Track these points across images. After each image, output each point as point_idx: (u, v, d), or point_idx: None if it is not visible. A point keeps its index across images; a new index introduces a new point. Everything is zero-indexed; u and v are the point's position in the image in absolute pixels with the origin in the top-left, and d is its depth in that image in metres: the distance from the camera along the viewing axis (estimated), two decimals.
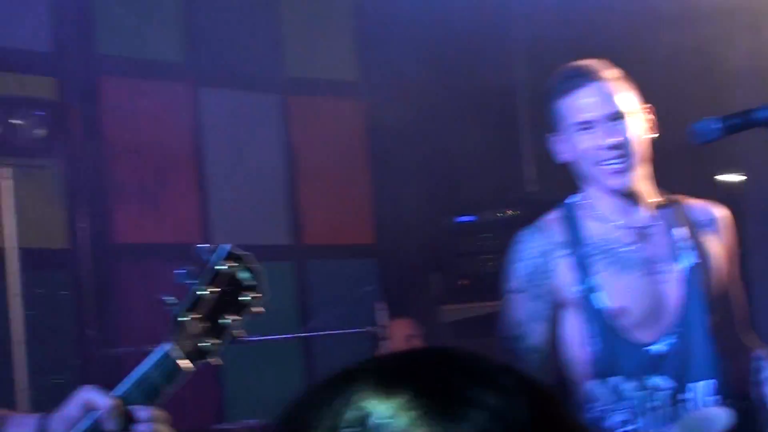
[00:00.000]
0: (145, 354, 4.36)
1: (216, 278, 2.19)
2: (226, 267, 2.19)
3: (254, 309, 2.23)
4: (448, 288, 6.52)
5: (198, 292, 2.16)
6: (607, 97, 2.99)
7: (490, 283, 6.09)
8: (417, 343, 5.75)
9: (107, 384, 5.81)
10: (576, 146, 3.01)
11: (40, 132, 5.31)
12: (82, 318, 5.76)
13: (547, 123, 3.13)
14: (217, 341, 2.18)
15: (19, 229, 5.37)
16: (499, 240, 6.13)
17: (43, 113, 5.34)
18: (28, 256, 5.40)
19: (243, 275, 2.21)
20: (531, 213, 5.97)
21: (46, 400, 5.25)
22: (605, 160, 2.95)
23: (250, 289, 2.22)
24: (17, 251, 5.33)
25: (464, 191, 6.59)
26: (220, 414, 6.10)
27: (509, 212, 6.33)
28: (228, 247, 2.22)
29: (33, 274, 5.48)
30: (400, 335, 5.62)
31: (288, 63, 6.61)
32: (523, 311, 3.06)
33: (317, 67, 6.66)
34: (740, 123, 2.62)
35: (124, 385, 2.13)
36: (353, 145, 6.69)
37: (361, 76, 6.75)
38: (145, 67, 6.09)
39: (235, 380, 6.12)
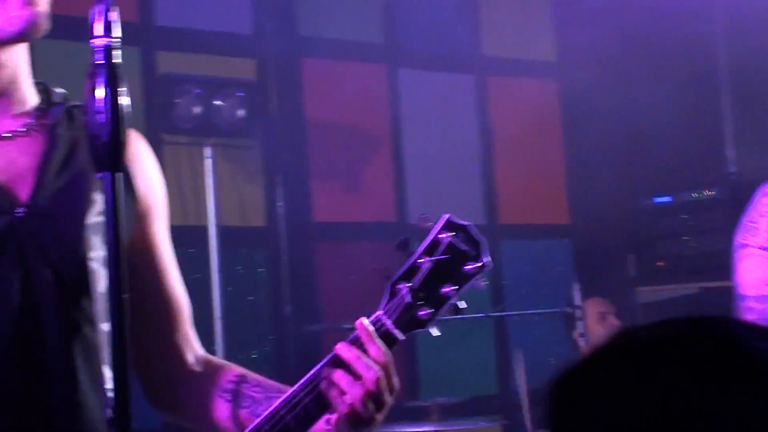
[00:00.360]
0: (342, 331, 4.31)
1: (434, 247, 2.11)
2: (445, 236, 2.11)
3: (476, 280, 2.14)
4: (644, 269, 6.46)
5: (414, 261, 2.10)
6: None
7: (689, 264, 6.27)
8: (611, 321, 5.70)
9: (302, 360, 5.85)
10: None
11: (241, 112, 5.36)
12: (279, 295, 5.87)
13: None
14: (433, 311, 2.10)
15: (218, 207, 5.48)
16: (698, 221, 6.27)
17: (244, 94, 5.39)
18: (227, 234, 5.52)
19: (464, 246, 2.13)
20: (731, 194, 5.96)
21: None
22: None
23: (472, 259, 2.13)
24: (216, 229, 5.42)
25: (661, 171, 6.39)
26: (414, 391, 6.12)
27: (708, 193, 6.24)
28: (448, 216, 2.13)
29: (232, 252, 5.62)
30: (592, 313, 5.61)
31: (485, 43, 6.64)
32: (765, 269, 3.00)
33: (514, 48, 6.67)
34: None
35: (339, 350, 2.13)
36: (549, 126, 6.66)
37: (558, 56, 6.79)
38: (345, 48, 6.16)
39: (429, 359, 6.13)
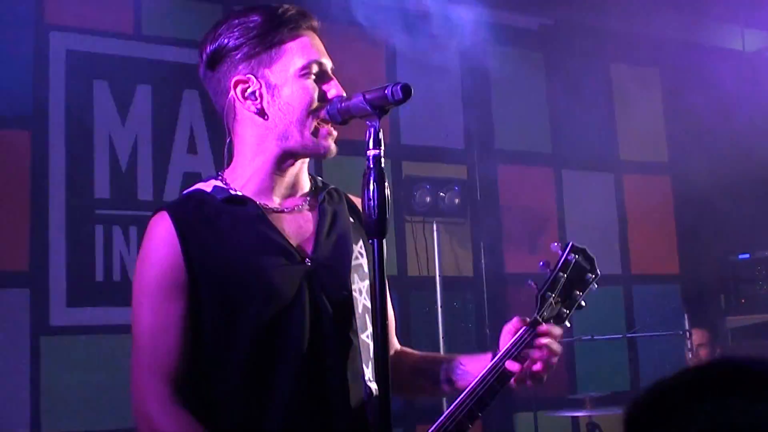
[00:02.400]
0: None
1: (566, 266, 2.36)
2: (571, 257, 2.36)
3: (593, 286, 2.38)
4: (731, 304, 7.08)
5: (553, 276, 2.35)
6: None
7: (762, 301, 6.90)
8: (710, 347, 6.31)
9: None
10: None
11: (457, 201, 6.19)
12: (482, 323, 6.55)
13: None
14: (568, 311, 2.35)
15: (441, 264, 6.29)
16: (767, 271, 6.94)
17: (458, 189, 6.20)
18: (447, 282, 6.29)
19: (584, 262, 2.37)
20: None
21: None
22: None
23: (590, 271, 2.37)
24: (440, 278, 6.24)
25: (743, 236, 6.87)
26: (572, 387, 6.67)
27: None
28: (571, 242, 2.39)
29: (450, 294, 6.34)
30: (697, 340, 6.29)
31: (622, 149, 7.41)
32: None
33: (640, 152, 7.40)
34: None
35: (506, 345, 2.30)
36: (664, 208, 7.44)
37: (669, 158, 7.48)
38: (525, 156, 6.94)
39: (583, 365, 6.72)
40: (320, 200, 2.32)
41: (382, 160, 1.95)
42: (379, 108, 1.98)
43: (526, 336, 2.27)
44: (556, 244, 2.40)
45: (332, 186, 2.38)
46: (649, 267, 7.16)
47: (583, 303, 2.36)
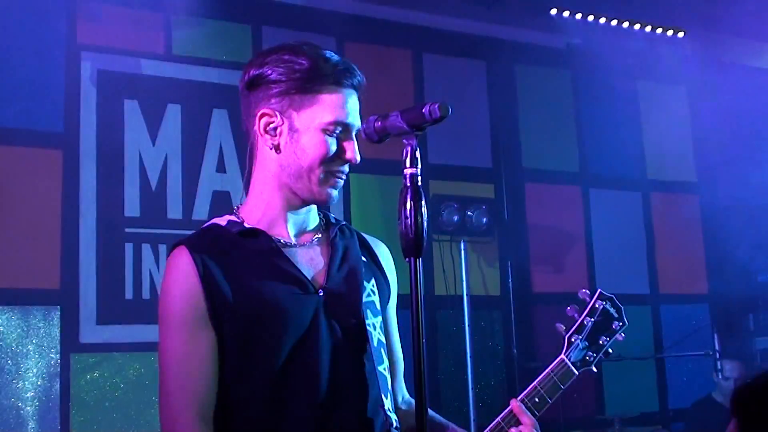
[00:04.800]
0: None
1: (593, 311, 2.44)
2: (599, 304, 2.44)
3: (619, 335, 2.46)
4: (759, 324, 7.15)
5: (581, 320, 2.43)
6: None
7: None
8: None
9: (524, 386, 6.37)
10: None
11: (484, 219, 6.19)
12: (509, 342, 6.53)
13: None
14: (594, 355, 2.42)
15: (469, 282, 6.28)
16: None
17: (486, 207, 6.22)
18: (475, 300, 6.29)
19: (611, 310, 2.45)
20: None
21: (485, 395, 6.08)
22: None
23: (617, 319, 2.45)
24: (467, 297, 6.23)
25: None
26: (600, 408, 6.62)
27: None
28: (599, 290, 2.47)
29: (478, 312, 6.33)
30: (734, 373, 6.26)
31: (649, 169, 7.39)
32: None
33: (668, 171, 7.41)
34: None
35: (532, 385, 2.39)
36: (692, 228, 7.43)
37: (698, 177, 7.49)
38: (552, 175, 6.92)
39: (611, 386, 6.66)
40: (332, 235, 2.35)
41: (419, 178, 1.96)
42: (416, 126, 1.99)
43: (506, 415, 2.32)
44: (584, 290, 2.47)
45: (344, 223, 2.41)
46: (677, 286, 7.19)
47: (610, 350, 2.42)
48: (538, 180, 6.92)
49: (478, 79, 6.62)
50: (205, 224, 2.35)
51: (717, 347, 6.55)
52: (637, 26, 6.36)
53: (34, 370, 5.10)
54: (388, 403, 2.26)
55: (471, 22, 6.34)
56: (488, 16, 6.30)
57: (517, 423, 2.30)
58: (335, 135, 2.24)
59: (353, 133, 2.28)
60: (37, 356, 5.11)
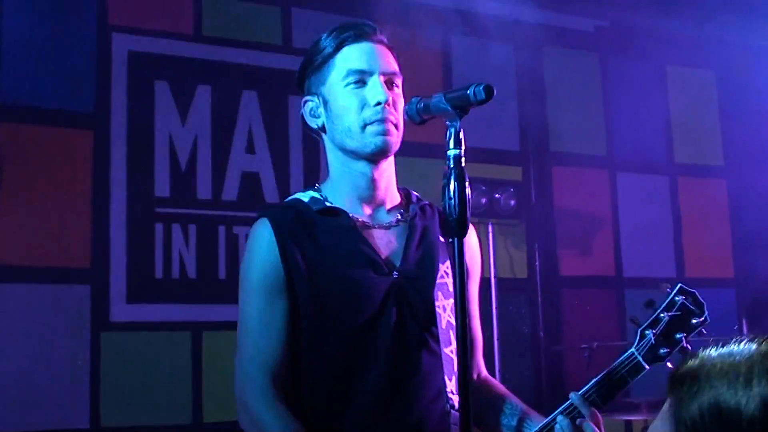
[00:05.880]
0: (577, 350, 5.06)
1: (671, 306, 2.35)
2: (679, 298, 2.36)
3: (698, 330, 2.37)
4: None
5: (657, 314, 2.35)
6: None
7: None
8: None
9: (550, 369, 6.16)
10: None
11: (512, 202, 6.15)
12: (535, 325, 6.56)
13: None
14: (669, 350, 2.32)
15: (496, 264, 6.29)
16: None
17: (513, 190, 6.19)
18: (502, 282, 6.29)
19: (692, 306, 2.36)
20: None
21: (511, 377, 6.03)
22: None
23: (698, 315, 2.36)
24: (495, 279, 6.22)
25: None
26: (628, 391, 6.20)
27: None
28: (680, 284, 2.39)
29: (505, 295, 6.33)
30: None
31: (677, 153, 7.35)
32: None
33: (695, 155, 7.39)
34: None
35: (592, 381, 2.29)
36: (720, 212, 7.41)
37: (725, 161, 7.48)
38: (579, 159, 6.90)
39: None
40: (412, 215, 2.37)
41: (463, 160, 1.95)
42: (460, 108, 1.97)
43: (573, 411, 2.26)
44: (666, 284, 2.49)
45: (426, 202, 2.42)
46: (704, 270, 7.15)
47: (687, 346, 2.32)
48: (565, 163, 6.91)
49: (507, 62, 6.60)
50: (288, 198, 2.42)
51: (745, 331, 6.38)
52: (664, 10, 6.33)
53: (65, 349, 5.13)
54: (451, 385, 2.29)
55: (499, 4, 6.27)
56: None
57: (579, 415, 2.25)
58: (357, 85, 2.28)
59: (377, 76, 2.29)
60: (67, 334, 5.14)
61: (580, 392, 2.26)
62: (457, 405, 2.25)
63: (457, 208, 1.94)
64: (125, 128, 5.42)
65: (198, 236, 5.52)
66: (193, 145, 5.59)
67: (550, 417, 2.26)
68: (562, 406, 2.26)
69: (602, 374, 2.28)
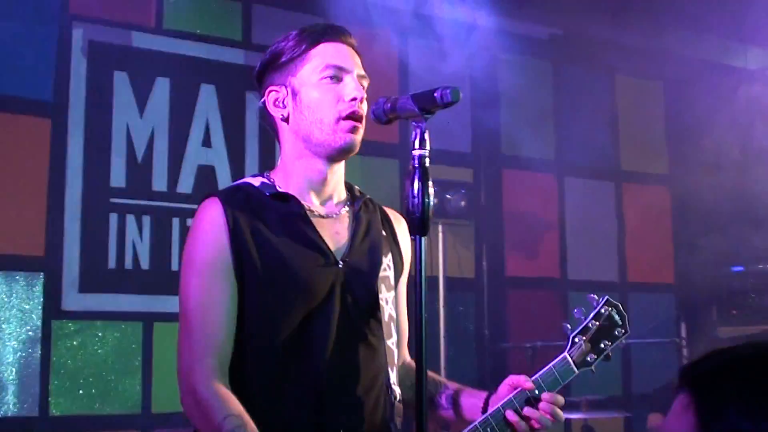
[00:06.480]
0: (522, 348, 5.10)
1: (599, 316, 2.44)
2: (605, 310, 2.45)
3: (620, 342, 2.47)
4: (723, 315, 7.15)
5: (586, 323, 2.43)
6: None
7: (753, 313, 6.86)
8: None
9: (494, 366, 6.10)
10: None
11: (462, 203, 6.18)
12: (481, 323, 6.61)
13: None
14: (595, 357, 2.42)
15: (444, 264, 6.31)
16: (762, 284, 6.89)
17: (464, 191, 6.22)
18: (450, 282, 6.34)
19: (616, 317, 2.45)
20: None
21: (455, 373, 5.93)
22: None
23: (621, 326, 2.45)
24: (444, 278, 6.25)
25: (738, 250, 6.90)
26: (569, 390, 6.22)
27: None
28: (606, 296, 2.47)
29: (452, 293, 6.40)
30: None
31: (622, 159, 7.49)
32: None
33: (642, 162, 7.49)
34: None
35: (535, 376, 2.35)
36: (663, 218, 7.52)
37: (670, 169, 7.58)
38: (529, 162, 6.90)
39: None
40: (357, 208, 2.39)
41: (427, 160, 1.96)
42: (427, 110, 1.99)
43: (527, 396, 2.33)
44: (593, 295, 2.48)
45: (368, 196, 2.45)
46: (645, 276, 7.27)
47: (610, 354, 2.43)
48: (515, 167, 6.98)
49: (462, 67, 6.54)
50: (237, 181, 2.39)
51: (685, 335, 6.64)
52: (617, 21, 6.40)
53: (16, 336, 5.10)
54: (393, 377, 2.30)
55: (456, 9, 6.27)
56: (473, 4, 6.24)
57: (530, 402, 2.33)
58: (333, 80, 2.29)
59: (352, 75, 2.32)
60: (19, 322, 5.11)
61: (528, 387, 2.32)
62: (399, 396, 2.30)
63: (420, 207, 1.95)
64: (83, 118, 5.37)
65: (152, 227, 5.50)
66: (150, 137, 5.56)
67: (494, 410, 2.32)
68: (514, 392, 2.32)
69: (537, 375, 2.34)
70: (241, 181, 2.39)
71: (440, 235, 6.31)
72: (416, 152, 1.96)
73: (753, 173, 6.42)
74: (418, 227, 1.94)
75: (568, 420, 6.46)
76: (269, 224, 2.27)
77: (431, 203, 1.96)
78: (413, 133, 1.98)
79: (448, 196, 6.19)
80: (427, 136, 1.98)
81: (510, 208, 6.90)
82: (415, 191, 1.94)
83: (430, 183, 1.96)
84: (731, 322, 7.08)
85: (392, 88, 6.10)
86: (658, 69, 7.11)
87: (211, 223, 2.23)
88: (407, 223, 1.98)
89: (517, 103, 6.90)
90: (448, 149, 6.57)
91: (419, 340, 1.93)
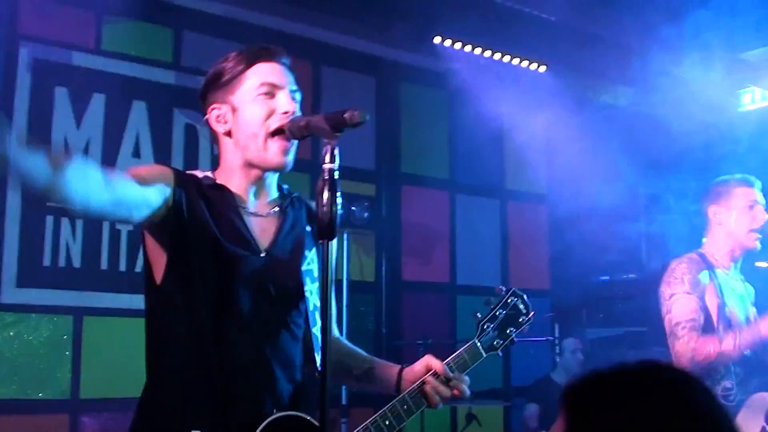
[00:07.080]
0: (415, 346, 5.38)
1: (505, 305, 2.54)
2: (510, 299, 2.55)
3: (524, 327, 2.57)
4: (591, 318, 7.51)
5: (494, 311, 2.52)
6: None
7: (617, 317, 7.20)
8: (579, 354, 6.71)
9: (391, 360, 5.94)
10: None
11: (365, 214, 6.39)
12: (379, 322, 6.80)
13: None
14: (501, 342, 2.52)
15: (349, 268, 6.49)
16: (624, 291, 7.19)
17: (367, 204, 6.41)
18: (353, 285, 6.51)
19: (521, 306, 2.55)
20: (642, 277, 6.76)
21: None
22: None
23: (524, 314, 2.55)
24: (347, 282, 6.42)
25: (606, 260, 7.10)
26: None
27: (630, 276, 7.38)
28: (513, 288, 2.57)
29: (355, 295, 6.53)
30: (568, 348, 6.77)
31: (507, 179, 7.75)
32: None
33: (524, 182, 7.77)
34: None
35: (447, 360, 2.45)
36: (541, 231, 7.83)
37: (548, 189, 7.83)
38: (425, 180, 7.20)
39: None
40: (285, 206, 2.45)
41: (336, 173, 2.00)
42: (337, 128, 2.04)
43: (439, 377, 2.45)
44: (501, 287, 2.60)
45: (296, 194, 2.51)
46: (525, 282, 7.33)
47: (515, 339, 2.55)
48: (413, 183, 7.15)
49: (368, 93, 6.86)
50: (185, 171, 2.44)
51: (558, 335, 6.87)
52: (506, 58, 6.62)
53: None
54: (318, 360, 2.32)
55: (365, 42, 6.57)
56: (380, 38, 6.49)
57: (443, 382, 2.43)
58: (267, 96, 2.35)
59: (286, 91, 2.37)
60: None
61: (439, 367, 2.44)
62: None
63: (328, 214, 1.96)
64: (26, 128, 5.48)
65: (84, 229, 5.59)
66: (86, 147, 5.68)
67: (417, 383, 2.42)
68: (427, 374, 2.43)
69: (449, 358, 2.45)
70: (188, 171, 2.44)
71: (345, 242, 6.47)
72: (327, 166, 1.98)
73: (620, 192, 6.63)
74: (327, 232, 1.96)
75: (453, 408, 6.79)
76: (206, 207, 2.32)
77: (339, 212, 2.00)
78: (324, 149, 2.01)
79: (352, 208, 6.35)
80: (336, 152, 2.00)
81: (407, 220, 7.04)
82: (324, 200, 1.96)
83: (339, 193, 2.00)
84: (598, 325, 7.41)
85: (306, 109, 6.32)
86: (539, 102, 7.15)
87: (162, 167, 2.32)
88: (317, 229, 1.99)
89: (416, 126, 7.08)
90: (354, 166, 6.71)
91: (324, 336, 1.96)
